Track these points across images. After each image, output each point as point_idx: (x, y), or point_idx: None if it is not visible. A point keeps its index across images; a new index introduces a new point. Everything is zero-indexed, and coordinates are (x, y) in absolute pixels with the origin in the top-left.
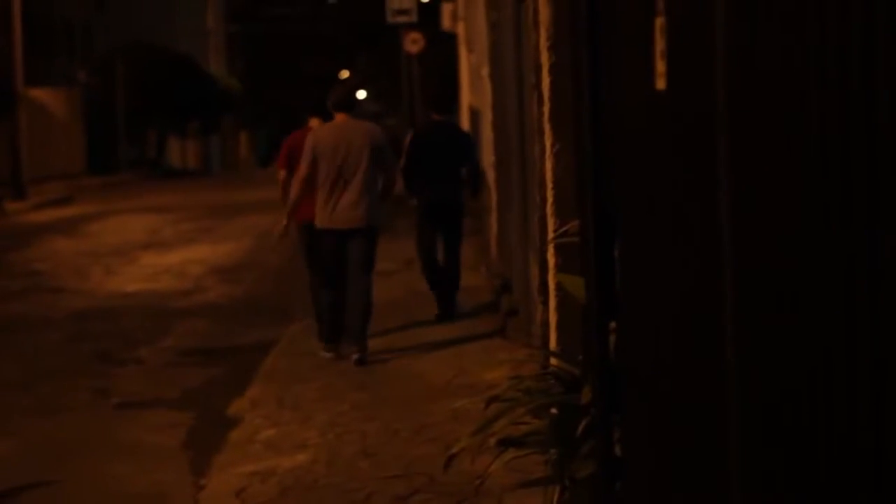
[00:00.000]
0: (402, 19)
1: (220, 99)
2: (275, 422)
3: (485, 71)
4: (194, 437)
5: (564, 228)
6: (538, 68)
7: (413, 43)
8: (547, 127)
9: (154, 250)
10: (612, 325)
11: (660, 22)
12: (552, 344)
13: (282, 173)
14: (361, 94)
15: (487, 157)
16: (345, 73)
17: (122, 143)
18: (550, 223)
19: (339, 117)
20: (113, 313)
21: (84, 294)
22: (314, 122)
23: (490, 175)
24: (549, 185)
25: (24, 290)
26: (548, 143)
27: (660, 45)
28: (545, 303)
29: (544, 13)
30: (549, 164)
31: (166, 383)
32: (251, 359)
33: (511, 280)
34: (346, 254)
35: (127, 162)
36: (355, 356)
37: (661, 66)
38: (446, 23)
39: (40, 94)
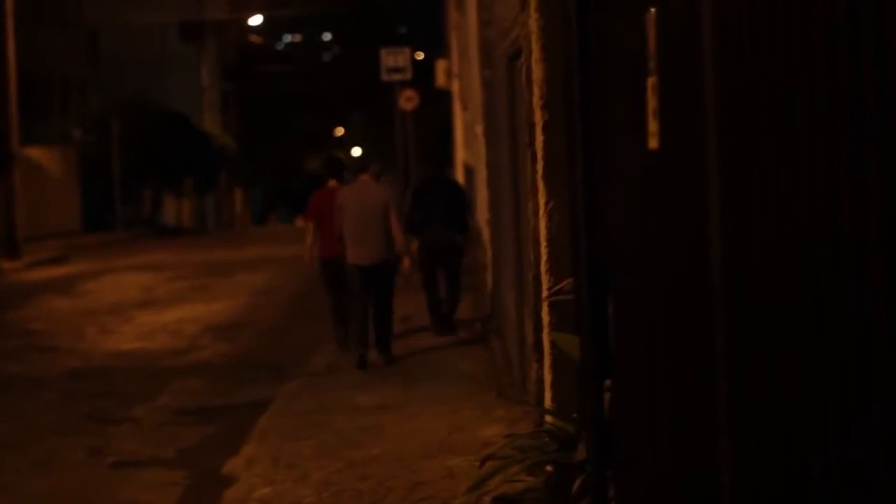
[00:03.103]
0: (396, 77)
1: (214, 157)
2: (270, 480)
3: (479, 129)
4: (190, 497)
5: (559, 287)
6: (531, 126)
7: (408, 100)
8: (540, 185)
9: (149, 309)
10: (608, 382)
11: (652, 81)
12: (547, 401)
13: (310, 225)
14: (357, 152)
15: (482, 214)
16: (339, 131)
17: (117, 201)
18: (545, 281)
19: (362, 177)
20: (108, 372)
21: (79, 353)
22: (332, 183)
23: (485, 232)
24: (543, 242)
25: (18, 350)
26: (541, 201)
27: (652, 104)
28: (540, 360)
29: (537, 72)
30: (542, 222)
31: (161, 442)
32: (246, 417)
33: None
34: (369, 284)
35: (122, 220)
36: (383, 359)
37: (653, 125)
38: (440, 80)
39: (35, 153)
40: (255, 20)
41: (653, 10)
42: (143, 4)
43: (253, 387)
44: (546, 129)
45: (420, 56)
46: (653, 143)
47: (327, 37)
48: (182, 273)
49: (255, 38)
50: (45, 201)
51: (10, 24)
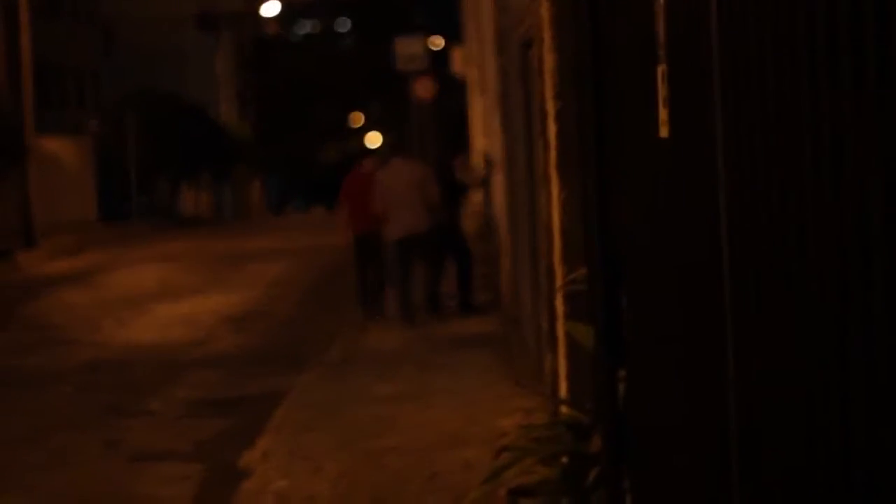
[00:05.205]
0: (412, 66)
1: (231, 147)
2: (286, 473)
3: (495, 117)
4: (206, 490)
5: (572, 277)
6: (544, 115)
7: (424, 89)
8: (553, 174)
9: (166, 300)
10: (622, 373)
11: (662, 69)
12: (562, 392)
13: (342, 200)
14: (378, 139)
15: (499, 203)
16: (359, 118)
17: (133, 191)
18: (558, 271)
19: (396, 160)
20: (124, 364)
21: (96, 345)
22: (367, 163)
23: (502, 222)
24: (557, 232)
25: (35, 343)
26: (554, 191)
27: (662, 92)
28: (554, 351)
29: (549, 60)
30: (555, 212)
31: (178, 435)
32: (262, 409)
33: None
34: (411, 253)
35: (139, 211)
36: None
37: (663, 113)
38: (457, 67)
39: (51, 143)
40: (271, 10)
41: None
42: None
43: (269, 378)
44: (558, 118)
45: (438, 45)
46: (663, 131)
47: (345, 24)
48: (198, 264)
49: (270, 28)
50: (61, 192)
51: (24, 17)
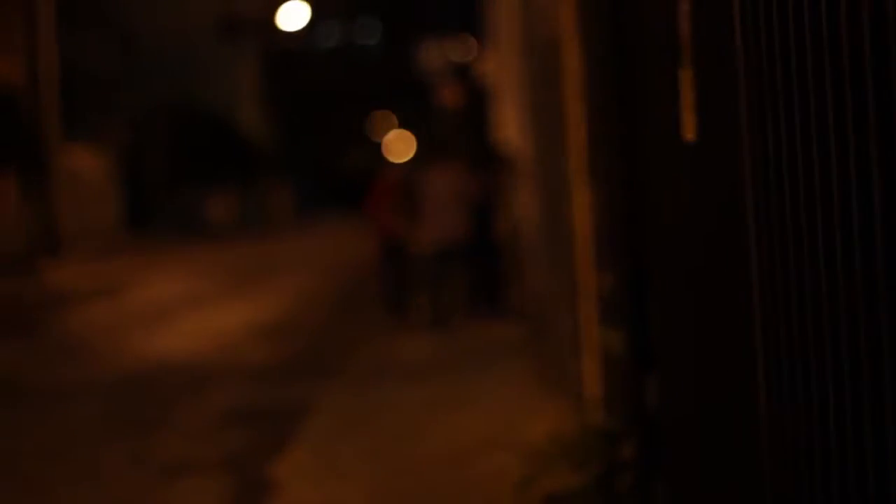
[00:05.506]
0: (438, 71)
1: (256, 154)
2: (316, 483)
3: (520, 118)
4: (236, 502)
5: (600, 281)
6: (568, 117)
7: (451, 94)
8: (581, 178)
9: (193, 309)
10: (652, 377)
11: (687, 73)
12: (592, 397)
13: (370, 209)
14: (401, 141)
15: (523, 206)
16: (389, 119)
17: (159, 200)
18: (586, 275)
19: (436, 166)
20: (152, 375)
21: (120, 356)
22: (395, 169)
23: (530, 225)
24: (584, 236)
25: (62, 354)
26: (582, 194)
27: (687, 96)
28: (584, 356)
29: (572, 62)
30: (583, 215)
31: (205, 447)
32: (292, 419)
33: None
34: (446, 259)
35: (164, 219)
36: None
37: (688, 117)
38: (484, 71)
39: (75, 152)
40: (296, 20)
41: None
42: (182, 4)
43: (298, 388)
44: (582, 120)
45: (465, 49)
46: (688, 134)
47: (371, 29)
48: (224, 273)
49: (293, 36)
50: (87, 201)
51: (48, 26)
